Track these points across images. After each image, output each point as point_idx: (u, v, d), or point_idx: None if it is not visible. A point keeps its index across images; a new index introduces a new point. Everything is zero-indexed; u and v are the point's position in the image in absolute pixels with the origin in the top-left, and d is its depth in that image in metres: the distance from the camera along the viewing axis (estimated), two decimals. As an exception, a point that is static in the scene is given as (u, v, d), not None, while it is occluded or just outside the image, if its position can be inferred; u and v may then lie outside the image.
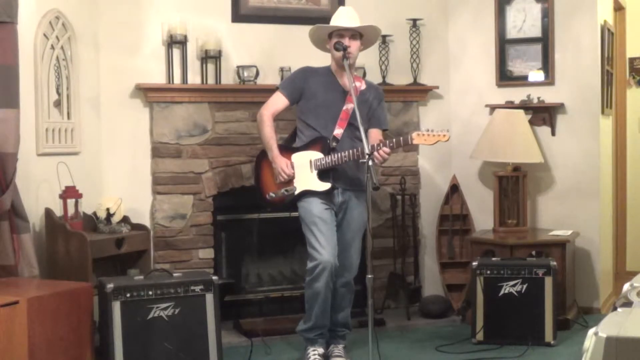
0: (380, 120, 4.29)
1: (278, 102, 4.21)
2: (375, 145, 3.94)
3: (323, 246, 4.03)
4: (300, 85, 4.19)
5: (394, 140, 3.96)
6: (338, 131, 4.10)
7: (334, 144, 4.09)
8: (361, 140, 3.82)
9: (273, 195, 4.18)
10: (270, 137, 4.17)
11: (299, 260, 5.15)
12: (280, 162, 4.12)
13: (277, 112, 4.21)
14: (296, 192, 4.12)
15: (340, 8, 4.31)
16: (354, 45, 4.10)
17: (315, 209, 4.08)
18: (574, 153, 5.31)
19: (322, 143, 4.11)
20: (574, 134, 5.32)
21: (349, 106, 4.09)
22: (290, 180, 4.13)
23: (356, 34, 4.13)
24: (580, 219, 5.28)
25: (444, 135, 3.95)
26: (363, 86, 4.23)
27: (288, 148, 4.23)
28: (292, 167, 4.12)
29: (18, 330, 3.36)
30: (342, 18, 4.14)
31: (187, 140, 4.93)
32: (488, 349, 4.50)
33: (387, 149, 3.92)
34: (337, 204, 4.16)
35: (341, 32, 4.11)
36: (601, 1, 5.36)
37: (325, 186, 4.09)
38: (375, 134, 4.24)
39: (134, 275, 4.13)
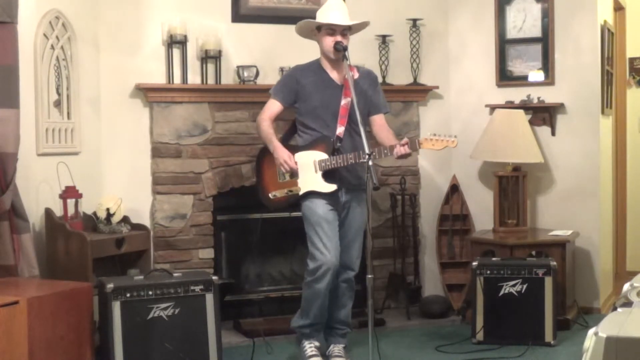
0: (379, 105, 4.24)
1: (273, 107, 4.18)
2: (394, 144, 3.95)
3: (328, 248, 4.01)
4: (293, 88, 4.15)
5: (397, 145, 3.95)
6: (340, 129, 4.07)
7: (338, 144, 4.06)
8: (360, 136, 3.81)
9: (277, 194, 4.16)
10: (269, 132, 4.13)
11: (299, 260, 5.14)
12: (282, 153, 4.06)
13: (274, 115, 4.18)
14: (301, 193, 4.09)
15: (330, 1, 4.15)
16: (345, 40, 4.07)
17: (320, 209, 4.06)
18: (574, 153, 5.31)
19: (326, 143, 4.07)
20: (574, 134, 5.31)
21: (347, 100, 4.06)
22: (293, 180, 4.11)
23: (346, 28, 4.09)
24: (580, 219, 5.28)
25: (452, 141, 3.94)
26: (357, 75, 4.15)
27: (290, 147, 4.21)
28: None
29: (18, 330, 3.36)
30: (333, 12, 4.07)
31: (187, 140, 4.93)
32: (488, 349, 4.50)
33: (407, 148, 3.92)
34: (340, 204, 4.14)
35: (332, 27, 4.07)
36: (601, 1, 5.36)
37: (331, 187, 4.06)
38: (379, 120, 4.22)
39: (134, 275, 4.13)
